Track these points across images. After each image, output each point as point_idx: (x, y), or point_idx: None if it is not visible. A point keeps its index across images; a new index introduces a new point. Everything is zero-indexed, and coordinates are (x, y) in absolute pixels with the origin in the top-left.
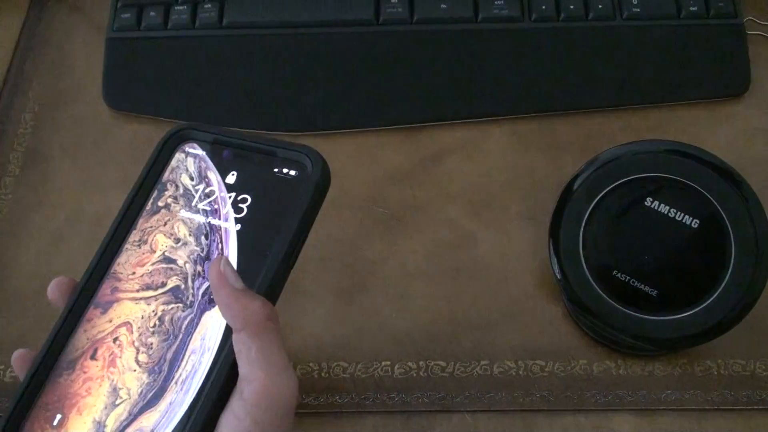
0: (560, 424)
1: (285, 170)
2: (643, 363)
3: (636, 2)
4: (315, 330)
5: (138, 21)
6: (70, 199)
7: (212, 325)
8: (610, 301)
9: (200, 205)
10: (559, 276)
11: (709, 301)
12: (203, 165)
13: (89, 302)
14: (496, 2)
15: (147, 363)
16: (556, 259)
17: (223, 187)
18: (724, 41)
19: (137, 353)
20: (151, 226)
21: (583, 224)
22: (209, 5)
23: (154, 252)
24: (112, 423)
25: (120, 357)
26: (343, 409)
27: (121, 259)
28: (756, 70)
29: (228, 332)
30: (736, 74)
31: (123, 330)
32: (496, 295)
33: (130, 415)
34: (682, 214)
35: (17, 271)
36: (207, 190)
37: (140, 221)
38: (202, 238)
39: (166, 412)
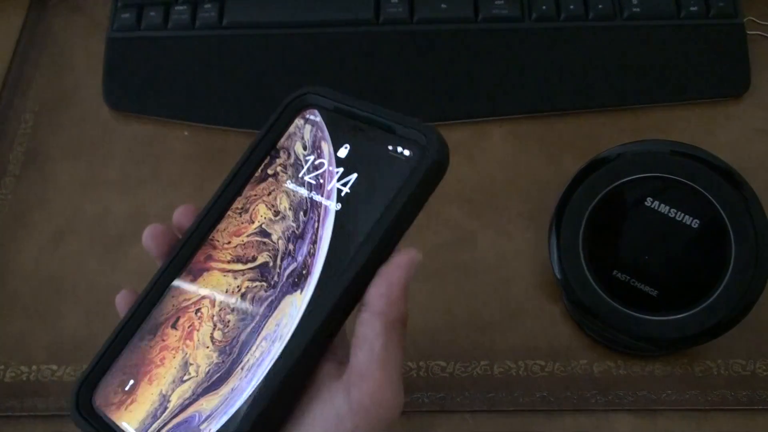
0: (560, 424)
1: (399, 149)
2: (643, 363)
3: (636, 2)
4: None
5: (138, 21)
6: (70, 199)
7: (290, 312)
8: (610, 301)
9: (306, 178)
10: (559, 276)
11: (709, 301)
12: (319, 134)
13: (184, 266)
14: (496, 2)
15: (221, 341)
16: (556, 259)
17: (334, 161)
18: (724, 41)
19: (213, 329)
20: (256, 195)
21: (583, 224)
22: (209, 5)
23: (253, 223)
24: (175, 399)
25: (198, 330)
26: None
27: (222, 225)
28: (756, 70)
29: (304, 324)
30: (736, 74)
31: (206, 302)
32: (496, 295)
33: (193, 394)
34: (683, 215)
35: (17, 271)
36: (317, 162)
37: (247, 188)
38: (301, 213)
39: (226, 398)
